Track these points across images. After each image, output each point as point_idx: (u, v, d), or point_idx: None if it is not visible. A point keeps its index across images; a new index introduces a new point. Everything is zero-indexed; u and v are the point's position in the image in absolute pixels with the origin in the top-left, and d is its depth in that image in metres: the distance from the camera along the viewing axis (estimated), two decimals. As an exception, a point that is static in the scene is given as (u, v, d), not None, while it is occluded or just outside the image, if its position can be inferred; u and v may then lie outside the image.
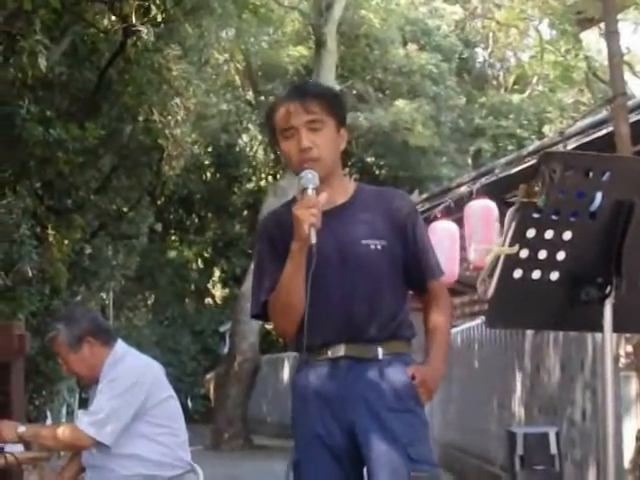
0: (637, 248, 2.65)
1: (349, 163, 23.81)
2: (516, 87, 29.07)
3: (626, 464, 5.70)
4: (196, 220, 27.81)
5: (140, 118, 12.80)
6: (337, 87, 18.26)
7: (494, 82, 29.47)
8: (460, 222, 9.08)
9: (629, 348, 5.88)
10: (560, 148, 8.60)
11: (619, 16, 8.10)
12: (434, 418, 10.98)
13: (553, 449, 4.86)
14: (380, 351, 2.96)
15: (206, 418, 21.31)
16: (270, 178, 26.62)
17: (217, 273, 28.33)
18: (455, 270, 9.04)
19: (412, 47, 24.28)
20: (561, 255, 2.64)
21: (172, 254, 27.69)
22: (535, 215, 2.58)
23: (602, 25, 10.42)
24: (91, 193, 12.53)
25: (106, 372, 3.99)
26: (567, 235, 2.62)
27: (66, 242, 12.43)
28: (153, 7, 11.22)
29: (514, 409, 8.56)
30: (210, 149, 25.14)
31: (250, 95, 26.03)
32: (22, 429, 3.92)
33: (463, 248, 9.04)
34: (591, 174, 2.59)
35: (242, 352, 17.78)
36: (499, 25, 26.71)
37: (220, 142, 24.39)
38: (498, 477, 8.42)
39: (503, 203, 8.75)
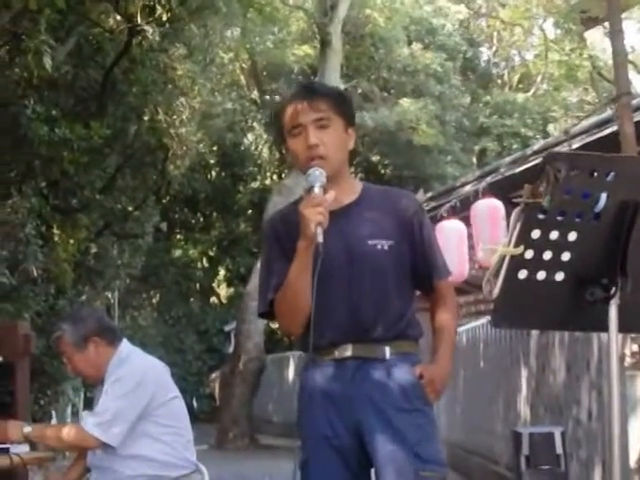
0: (642, 248, 2.65)
1: (354, 162, 23.80)
2: (521, 86, 29.07)
3: (632, 464, 5.69)
4: (201, 219, 27.83)
5: (145, 117, 12.84)
6: (342, 86, 18.25)
7: (499, 81, 29.47)
8: (466, 221, 9.07)
9: (635, 347, 5.87)
10: (565, 147, 8.59)
11: (623, 15, 8.11)
12: (440, 418, 10.97)
13: (559, 449, 4.86)
14: (387, 351, 2.96)
15: (211, 417, 21.32)
16: (275, 177, 26.65)
17: (222, 272, 28.33)
18: (464, 270, 9.02)
19: (417, 46, 24.30)
20: (566, 256, 2.64)
21: (177, 253, 27.72)
22: (540, 216, 2.58)
23: (607, 24, 10.40)
24: (96, 192, 12.55)
25: (111, 372, 3.99)
26: (572, 236, 2.62)
27: (71, 241, 12.45)
28: (158, 7, 11.26)
29: (519, 409, 8.55)
30: (215, 148, 25.16)
31: (255, 94, 26.06)
32: (28, 429, 3.92)
33: (470, 247, 9.03)
34: (596, 174, 2.59)
35: (247, 351, 17.78)
36: (504, 24, 26.72)
37: (225, 141, 24.40)
38: (503, 477, 8.41)
39: (508, 202, 8.73)
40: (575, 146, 8.44)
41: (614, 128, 7.29)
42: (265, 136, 26.41)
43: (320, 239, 2.78)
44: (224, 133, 23.91)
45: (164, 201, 21.79)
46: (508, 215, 8.32)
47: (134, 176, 13.71)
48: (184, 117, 13.41)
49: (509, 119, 25.60)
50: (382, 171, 25.33)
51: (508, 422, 8.70)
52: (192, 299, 27.52)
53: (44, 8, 8.68)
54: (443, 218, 9.24)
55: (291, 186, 17.10)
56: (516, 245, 2.59)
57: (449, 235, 8.85)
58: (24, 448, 4.02)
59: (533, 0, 23.84)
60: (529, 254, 2.61)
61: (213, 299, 28.62)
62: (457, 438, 11.30)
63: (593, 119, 8.96)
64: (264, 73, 25.34)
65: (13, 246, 9.92)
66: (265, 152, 27.33)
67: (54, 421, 10.02)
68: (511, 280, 2.64)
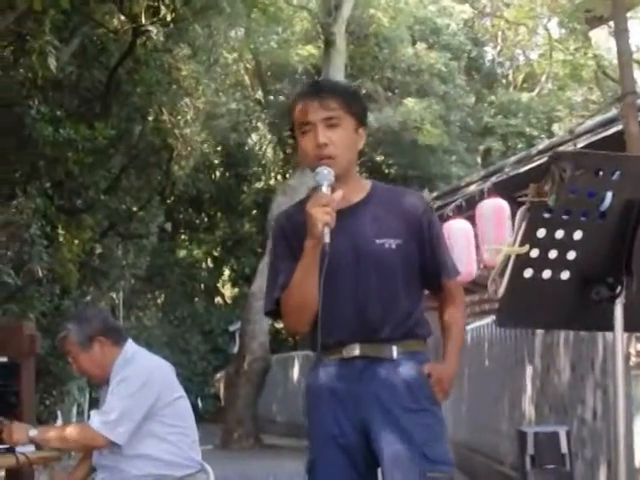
0: (648, 247, 2.64)
1: (358, 162, 23.78)
2: (525, 85, 29.05)
3: (637, 463, 5.68)
4: (205, 219, 27.84)
5: (150, 118, 12.85)
6: (346, 86, 18.21)
7: (503, 81, 29.44)
8: (471, 220, 9.06)
9: (640, 347, 5.86)
10: (570, 146, 8.59)
11: (628, 14, 8.10)
12: (446, 417, 10.94)
13: (564, 448, 4.86)
14: (395, 350, 2.95)
15: (216, 417, 21.32)
16: (279, 177, 26.65)
17: (227, 272, 28.34)
18: (472, 270, 9.01)
19: (421, 46, 24.28)
20: (571, 255, 2.63)
21: (182, 253, 27.74)
22: (545, 215, 2.58)
23: (611, 23, 10.40)
24: (101, 193, 12.56)
25: (116, 372, 4.00)
26: (578, 235, 2.61)
27: (76, 242, 12.46)
28: (162, 7, 11.27)
29: (524, 408, 8.54)
30: (219, 148, 25.16)
31: (259, 94, 26.07)
32: (34, 432, 3.92)
33: (476, 247, 9.02)
34: (601, 173, 2.59)
35: (252, 351, 17.77)
36: (508, 23, 26.69)
37: (229, 141, 24.41)
38: (509, 476, 8.40)
39: (513, 202, 8.73)
40: (580, 145, 8.44)
41: (619, 127, 7.29)
42: (269, 136, 26.42)
43: (327, 239, 2.77)
44: (228, 133, 23.93)
45: (168, 201, 21.82)
46: (513, 215, 8.33)
47: (139, 176, 13.72)
48: (188, 117, 13.43)
49: (514, 119, 25.58)
50: (386, 171, 25.31)
51: (513, 421, 8.69)
52: (197, 299, 27.54)
53: (48, 9, 8.69)
54: (449, 218, 9.24)
55: (295, 186, 17.10)
56: (521, 244, 2.59)
57: (457, 235, 8.84)
58: (30, 447, 4.03)
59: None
60: (534, 253, 2.60)
61: (218, 299, 28.63)
62: (462, 437, 11.29)
63: (598, 118, 8.96)
64: (268, 73, 25.35)
65: (18, 246, 9.94)
66: (269, 152, 27.33)
67: (59, 421, 10.01)
68: (516, 279, 2.64)
